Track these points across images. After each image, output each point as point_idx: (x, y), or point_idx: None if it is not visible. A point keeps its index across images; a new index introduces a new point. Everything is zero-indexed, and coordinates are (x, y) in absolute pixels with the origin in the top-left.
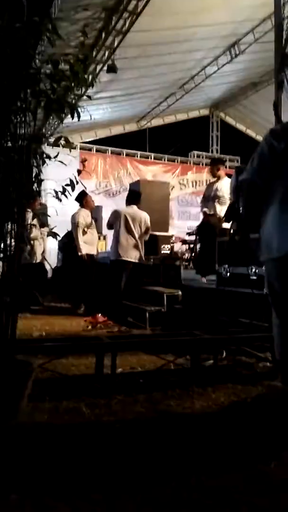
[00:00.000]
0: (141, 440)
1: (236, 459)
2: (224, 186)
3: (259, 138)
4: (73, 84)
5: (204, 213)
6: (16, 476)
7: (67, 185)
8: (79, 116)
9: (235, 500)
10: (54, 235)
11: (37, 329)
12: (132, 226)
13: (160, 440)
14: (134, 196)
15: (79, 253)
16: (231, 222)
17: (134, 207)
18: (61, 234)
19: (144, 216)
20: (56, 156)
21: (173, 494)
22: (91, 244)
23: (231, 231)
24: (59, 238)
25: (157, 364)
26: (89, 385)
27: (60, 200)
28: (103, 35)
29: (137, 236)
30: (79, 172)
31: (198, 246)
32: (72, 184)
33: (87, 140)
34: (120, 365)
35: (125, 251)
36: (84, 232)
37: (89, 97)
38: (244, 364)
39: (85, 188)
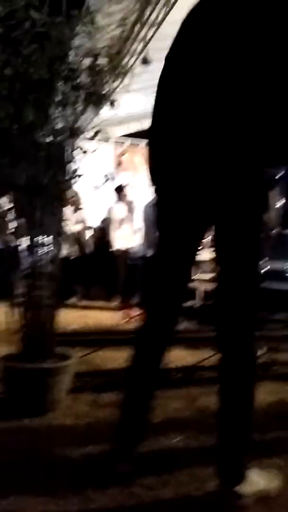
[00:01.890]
0: None
1: None
2: None
3: None
4: (111, 76)
5: None
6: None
7: (107, 179)
8: (117, 108)
9: None
10: (89, 228)
11: (73, 322)
12: None
13: None
14: None
15: (112, 248)
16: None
17: None
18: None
19: None
20: (94, 150)
21: None
22: (125, 239)
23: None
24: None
25: (193, 359)
26: None
27: (101, 193)
28: (137, 27)
29: None
30: (119, 163)
31: None
32: (111, 177)
33: (120, 134)
34: None
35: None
36: (118, 227)
37: (128, 91)
38: (282, 362)
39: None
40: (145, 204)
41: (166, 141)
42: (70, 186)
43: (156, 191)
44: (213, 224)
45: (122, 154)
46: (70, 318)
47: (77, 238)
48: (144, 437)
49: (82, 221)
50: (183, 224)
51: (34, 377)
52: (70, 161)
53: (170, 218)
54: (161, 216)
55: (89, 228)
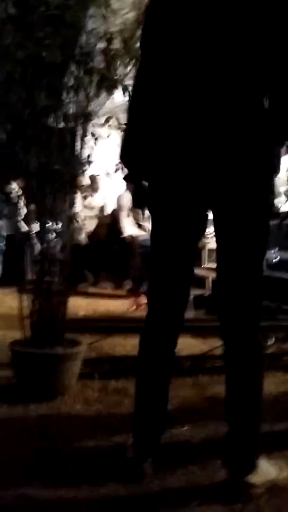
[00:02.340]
0: None
1: None
2: None
3: None
4: (125, 61)
5: None
6: None
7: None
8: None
9: None
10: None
11: (82, 309)
12: None
13: None
14: None
15: (123, 235)
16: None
17: None
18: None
19: None
20: (108, 137)
21: None
22: (134, 227)
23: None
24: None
25: (202, 348)
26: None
27: (112, 180)
28: None
29: None
30: None
31: None
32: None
33: None
34: None
35: None
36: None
37: None
38: None
39: None
40: None
41: (157, 121)
42: (82, 172)
43: (140, 176)
44: (213, 210)
45: None
46: (80, 304)
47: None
48: (165, 428)
49: (102, 208)
50: (183, 209)
51: (44, 363)
52: (82, 147)
53: (168, 205)
54: (157, 203)
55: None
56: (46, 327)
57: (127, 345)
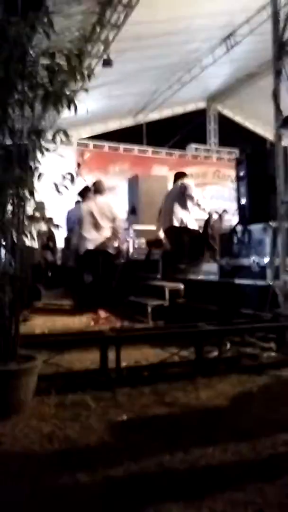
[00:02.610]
0: None
1: None
2: None
3: (258, 129)
4: (70, 77)
5: None
6: None
7: (68, 176)
8: (76, 109)
9: None
10: (57, 226)
11: (39, 326)
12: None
13: None
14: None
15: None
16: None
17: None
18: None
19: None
20: (55, 150)
21: None
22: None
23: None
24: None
25: (161, 357)
26: (94, 379)
27: (60, 193)
28: (98, 28)
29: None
30: (78, 165)
31: None
32: (71, 177)
33: (84, 136)
34: (124, 359)
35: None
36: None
37: (86, 90)
38: (248, 355)
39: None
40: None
41: None
42: (31, 186)
43: None
44: None
45: (78, 165)
46: (37, 322)
47: (48, 239)
48: None
49: (50, 220)
50: None
51: None
52: (30, 161)
53: None
54: None
55: (57, 226)
56: None
57: (85, 360)
